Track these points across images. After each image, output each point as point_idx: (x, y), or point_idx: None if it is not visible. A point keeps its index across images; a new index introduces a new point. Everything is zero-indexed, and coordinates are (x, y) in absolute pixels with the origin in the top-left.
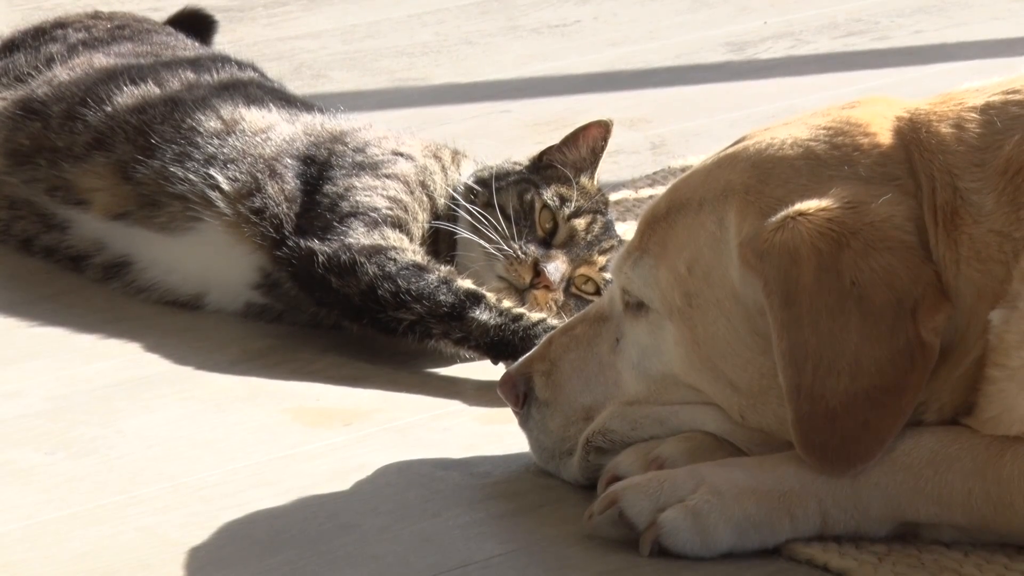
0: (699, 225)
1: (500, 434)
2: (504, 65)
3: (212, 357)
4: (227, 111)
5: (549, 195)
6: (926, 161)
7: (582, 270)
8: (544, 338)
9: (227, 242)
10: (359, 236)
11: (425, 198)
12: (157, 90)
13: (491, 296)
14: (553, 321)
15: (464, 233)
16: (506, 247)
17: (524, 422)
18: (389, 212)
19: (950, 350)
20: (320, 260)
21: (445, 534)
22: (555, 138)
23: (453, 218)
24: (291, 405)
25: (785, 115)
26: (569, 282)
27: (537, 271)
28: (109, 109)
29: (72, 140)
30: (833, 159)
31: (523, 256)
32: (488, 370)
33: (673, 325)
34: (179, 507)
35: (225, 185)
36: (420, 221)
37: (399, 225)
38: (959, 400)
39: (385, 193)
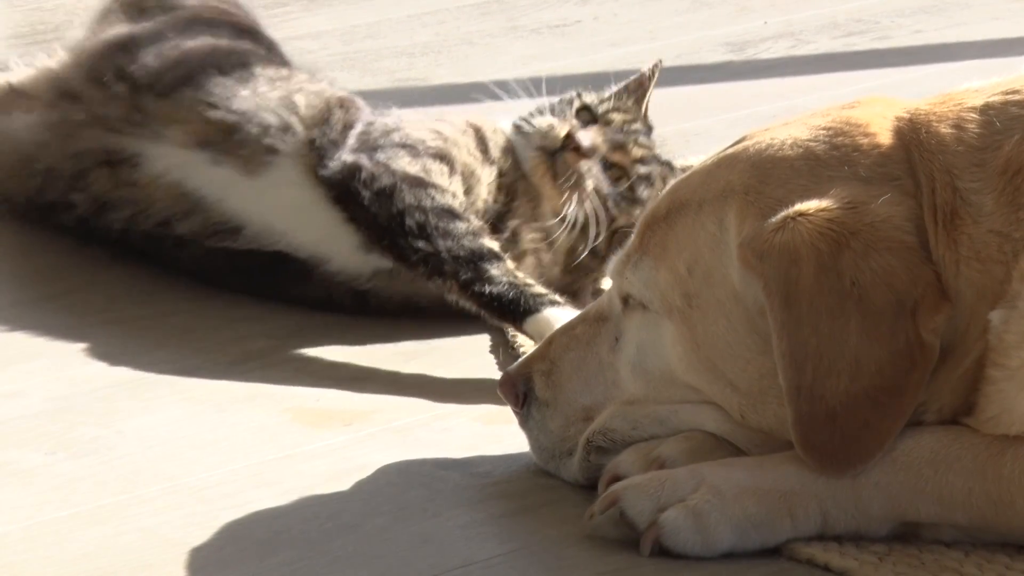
0: (699, 226)
1: (500, 434)
2: (504, 65)
3: (212, 358)
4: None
5: (588, 97)
6: (926, 161)
7: (616, 156)
8: (544, 337)
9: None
10: (404, 164)
11: (475, 143)
12: (251, 44)
13: (510, 263)
14: (556, 297)
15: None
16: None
17: (524, 422)
18: (436, 146)
19: (950, 350)
20: (362, 176)
21: (445, 534)
22: None
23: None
24: (291, 405)
25: (785, 115)
26: (606, 168)
27: (569, 135)
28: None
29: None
30: (833, 159)
31: (554, 125)
32: (488, 370)
33: (673, 325)
34: (179, 507)
35: (303, 110)
36: (474, 171)
37: (445, 159)
38: (959, 400)
39: (434, 128)
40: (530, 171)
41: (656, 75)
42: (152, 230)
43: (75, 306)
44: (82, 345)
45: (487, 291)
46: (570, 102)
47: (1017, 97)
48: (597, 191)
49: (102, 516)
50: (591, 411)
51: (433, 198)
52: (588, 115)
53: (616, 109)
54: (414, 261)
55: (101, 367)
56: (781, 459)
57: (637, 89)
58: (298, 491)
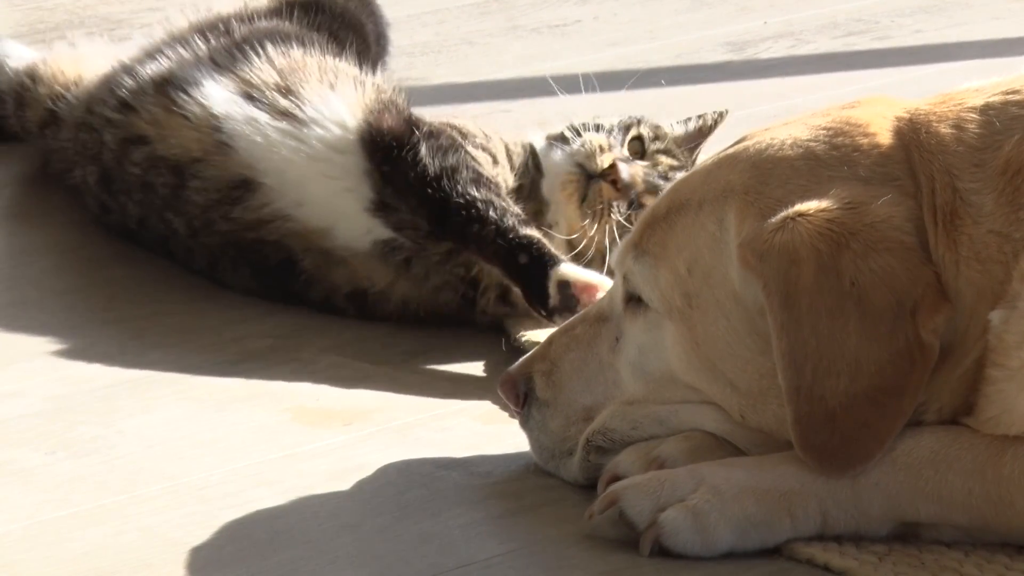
0: (699, 226)
1: (500, 434)
2: (504, 65)
3: (212, 357)
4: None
5: (645, 128)
6: (926, 161)
7: (648, 200)
8: (545, 338)
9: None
10: (458, 138)
11: (503, 154)
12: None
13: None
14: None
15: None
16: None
17: (524, 422)
18: (482, 141)
19: (950, 351)
20: (423, 129)
21: (445, 534)
22: None
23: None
24: (291, 405)
25: (785, 115)
26: (631, 207)
27: (613, 165)
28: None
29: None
30: (833, 159)
31: (604, 147)
32: (488, 370)
33: (673, 325)
34: (179, 507)
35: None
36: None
37: (488, 152)
38: (959, 400)
39: (477, 128)
40: (558, 185)
41: (719, 126)
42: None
43: (75, 306)
44: (82, 345)
45: (515, 244)
46: (626, 128)
47: (1017, 97)
48: (618, 227)
49: (102, 515)
50: (591, 411)
51: (482, 167)
52: (639, 146)
53: (667, 152)
54: (455, 210)
55: (101, 367)
56: (781, 459)
57: (696, 138)
58: (298, 490)
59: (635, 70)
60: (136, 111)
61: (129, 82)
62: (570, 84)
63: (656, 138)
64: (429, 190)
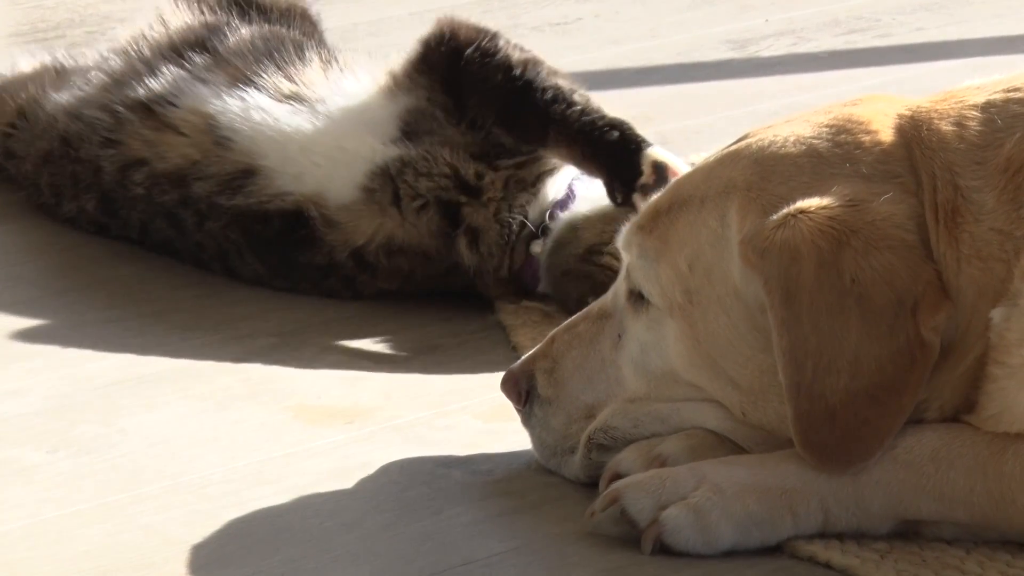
0: (701, 222)
1: (502, 432)
2: None
3: (214, 355)
4: None
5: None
6: (927, 159)
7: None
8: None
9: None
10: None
11: None
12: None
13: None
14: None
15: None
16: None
17: (526, 420)
18: None
19: (951, 348)
20: (504, 39)
21: (447, 532)
22: None
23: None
24: (292, 403)
25: (787, 113)
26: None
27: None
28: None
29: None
30: (835, 157)
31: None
32: (490, 368)
33: (674, 322)
34: (181, 505)
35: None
36: None
37: None
38: (960, 398)
39: None
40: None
41: None
42: (171, 197)
43: (76, 304)
44: (84, 343)
45: (611, 119)
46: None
47: (1018, 95)
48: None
49: (104, 514)
50: (593, 409)
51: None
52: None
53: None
54: (543, 89)
55: (102, 365)
56: (782, 457)
57: None
58: (300, 489)
59: (636, 68)
60: (124, 144)
61: (107, 119)
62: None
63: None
64: (514, 73)
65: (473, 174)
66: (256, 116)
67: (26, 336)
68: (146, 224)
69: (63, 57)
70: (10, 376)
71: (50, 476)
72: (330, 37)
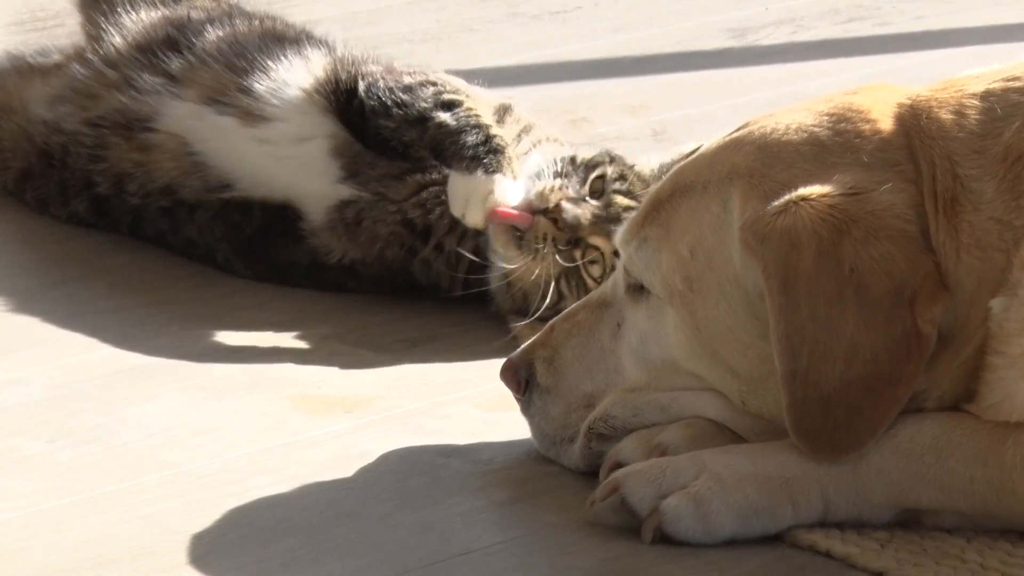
0: (703, 208)
1: (502, 421)
2: (505, 52)
3: (213, 345)
4: None
5: (611, 169)
6: (926, 147)
7: (597, 239)
8: (547, 324)
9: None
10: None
11: None
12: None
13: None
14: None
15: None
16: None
17: (526, 409)
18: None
19: (951, 338)
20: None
21: (447, 522)
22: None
23: None
24: (292, 393)
25: (787, 101)
26: (577, 245)
27: (558, 204)
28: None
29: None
30: (836, 145)
31: (556, 188)
32: (490, 357)
33: (674, 310)
34: (180, 495)
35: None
36: None
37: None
38: (960, 388)
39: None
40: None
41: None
42: (163, 204)
43: (76, 294)
44: (83, 333)
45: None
46: (595, 165)
47: (1018, 84)
48: (554, 264)
49: (103, 504)
50: (592, 398)
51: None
52: (600, 185)
53: (627, 193)
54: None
55: (102, 355)
56: (782, 446)
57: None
58: (299, 478)
59: (636, 56)
60: (113, 161)
61: (91, 133)
62: (571, 71)
63: (620, 177)
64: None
65: (419, 215)
66: (227, 139)
67: (24, 326)
68: (137, 223)
69: (31, 56)
70: (9, 366)
71: (49, 466)
72: (331, 25)
